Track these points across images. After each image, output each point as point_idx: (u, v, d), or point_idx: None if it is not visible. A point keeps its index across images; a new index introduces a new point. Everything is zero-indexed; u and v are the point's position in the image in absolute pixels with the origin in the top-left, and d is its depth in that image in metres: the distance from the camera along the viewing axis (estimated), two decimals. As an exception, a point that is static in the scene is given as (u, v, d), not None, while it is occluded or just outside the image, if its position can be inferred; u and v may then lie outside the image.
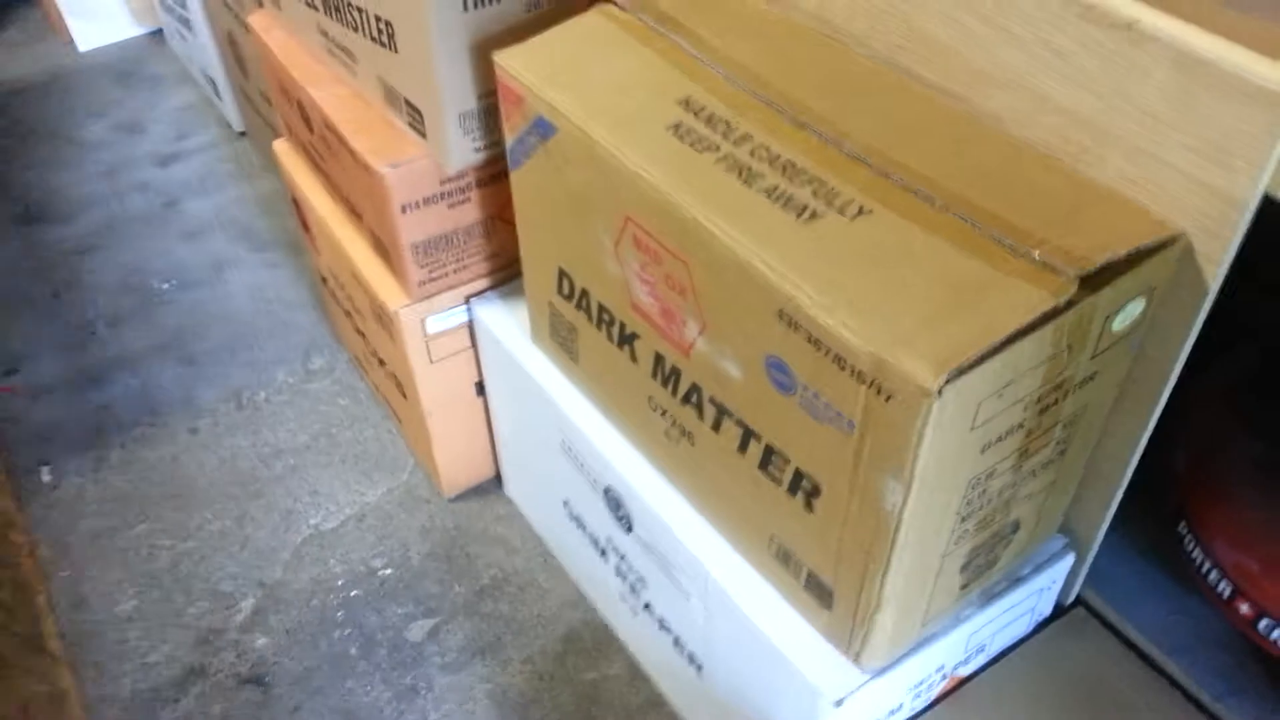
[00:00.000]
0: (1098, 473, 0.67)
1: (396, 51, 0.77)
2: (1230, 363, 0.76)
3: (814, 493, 0.59)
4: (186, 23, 1.56)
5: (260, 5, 0.99)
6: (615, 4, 0.73)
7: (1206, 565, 0.68)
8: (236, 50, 1.38)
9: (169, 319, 1.33)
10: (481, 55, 0.75)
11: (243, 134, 1.61)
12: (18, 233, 1.47)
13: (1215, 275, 0.54)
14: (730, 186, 0.58)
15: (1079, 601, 0.75)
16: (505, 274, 0.94)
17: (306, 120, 0.95)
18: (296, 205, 1.11)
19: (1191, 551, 0.69)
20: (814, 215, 0.56)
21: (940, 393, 0.48)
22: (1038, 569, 0.71)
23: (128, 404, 1.23)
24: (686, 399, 0.67)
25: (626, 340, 0.71)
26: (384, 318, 0.94)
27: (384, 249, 0.91)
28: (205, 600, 1.04)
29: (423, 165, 0.82)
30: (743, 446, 0.64)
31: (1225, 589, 0.67)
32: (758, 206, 0.57)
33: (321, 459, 1.16)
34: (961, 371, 0.48)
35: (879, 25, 0.68)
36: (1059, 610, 0.76)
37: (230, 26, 1.35)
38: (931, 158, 0.58)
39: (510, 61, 0.69)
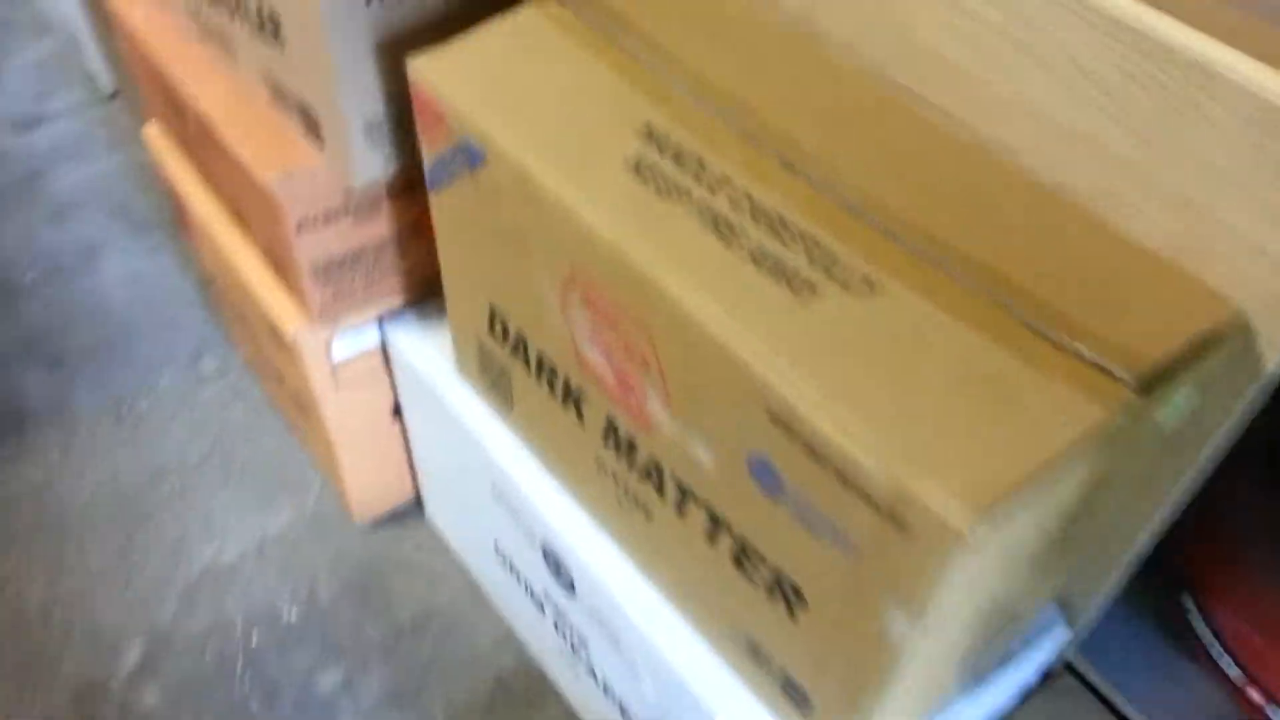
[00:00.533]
0: (1103, 548, 0.60)
1: (284, 48, 0.64)
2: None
3: (798, 601, 0.51)
4: (42, -36, 1.36)
5: None
6: (553, -3, 0.61)
7: (1212, 641, 0.62)
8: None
9: (34, 314, 1.17)
10: (391, 54, 0.63)
11: (114, 94, 1.43)
12: None
13: (1275, 360, 0.46)
14: (706, 247, 0.48)
15: (1068, 667, 0.69)
16: (423, 290, 0.82)
17: (180, 114, 0.80)
18: (174, 198, 0.97)
19: (1195, 625, 0.63)
20: (812, 290, 0.46)
21: (972, 532, 0.39)
22: (1027, 643, 0.64)
23: (-14, 417, 1.08)
24: (645, 474, 0.58)
25: (571, 397, 0.61)
26: (281, 340, 0.82)
27: (279, 264, 0.79)
28: (83, 649, 0.92)
29: (322, 175, 0.70)
30: (712, 538, 0.55)
31: (1231, 669, 0.61)
32: (741, 276, 0.47)
33: (215, 479, 1.03)
34: (997, 506, 0.39)
35: (871, 33, 0.58)
36: (1046, 676, 0.70)
37: (92, -25, 1.18)
38: (946, 211, 0.49)
39: (428, 72, 0.57)
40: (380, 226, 0.75)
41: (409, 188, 0.73)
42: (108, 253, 1.24)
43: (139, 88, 0.91)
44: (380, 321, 0.82)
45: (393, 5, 0.61)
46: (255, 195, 0.72)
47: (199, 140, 0.80)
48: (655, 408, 0.53)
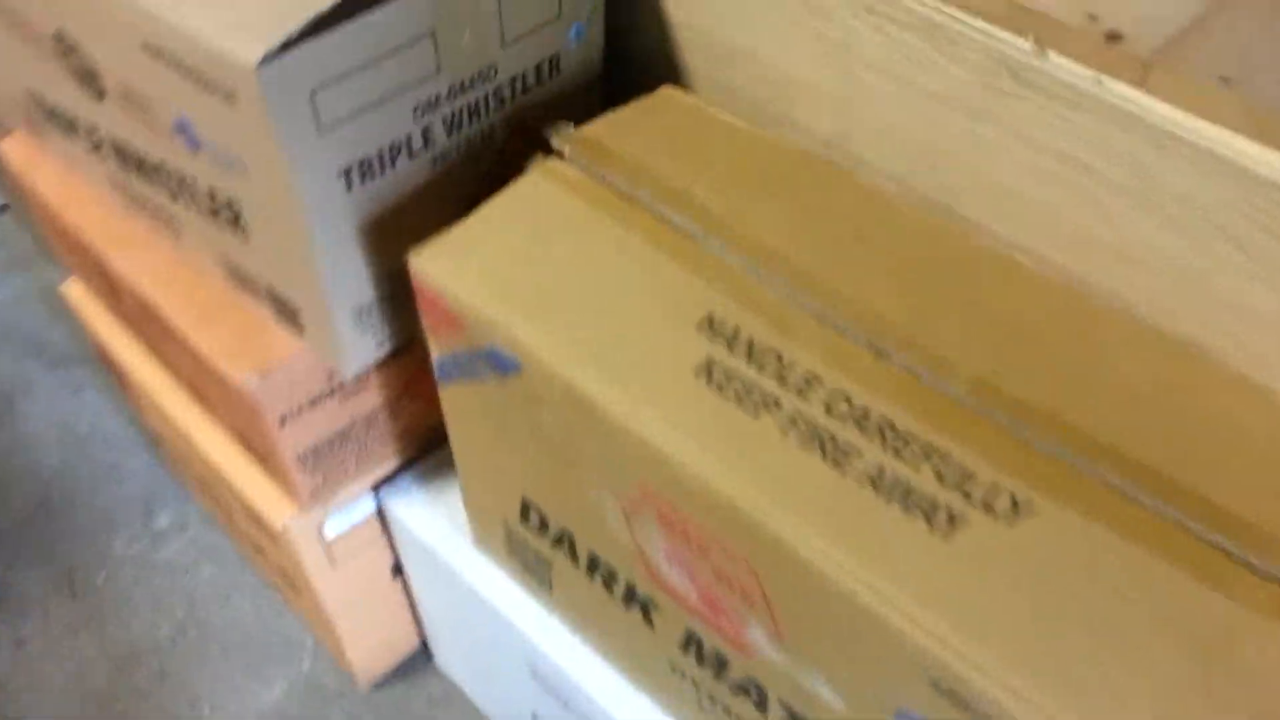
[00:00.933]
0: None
1: (246, 236, 0.55)
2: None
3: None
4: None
5: (7, 132, 0.72)
6: (558, 155, 0.53)
7: None
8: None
9: (-47, 484, 1.05)
10: (377, 234, 0.54)
11: (3, 208, 1.29)
12: None
13: None
14: (812, 472, 0.41)
15: None
16: (420, 447, 0.74)
17: (112, 288, 0.70)
18: (106, 361, 0.86)
19: None
20: (952, 521, 0.39)
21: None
22: None
23: (-82, 616, 0.96)
24: (740, 690, 0.51)
25: (637, 602, 0.54)
26: (263, 525, 0.73)
27: (256, 451, 0.69)
28: None
29: (302, 364, 0.61)
30: (835, 765, 0.48)
31: None
32: (863, 508, 0.40)
33: (194, 654, 0.93)
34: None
35: (926, 167, 0.51)
36: None
37: None
38: (1079, 395, 0.43)
39: (434, 269, 0.49)
40: (370, 398, 0.66)
41: (394, 356, 0.64)
42: (26, 398, 1.11)
43: (51, 240, 0.80)
44: (376, 491, 0.73)
45: (376, 185, 0.52)
46: (223, 389, 0.63)
47: (139, 316, 0.70)
48: (757, 636, 0.46)
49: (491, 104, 0.56)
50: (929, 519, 0.39)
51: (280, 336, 0.61)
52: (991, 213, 0.50)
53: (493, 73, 0.55)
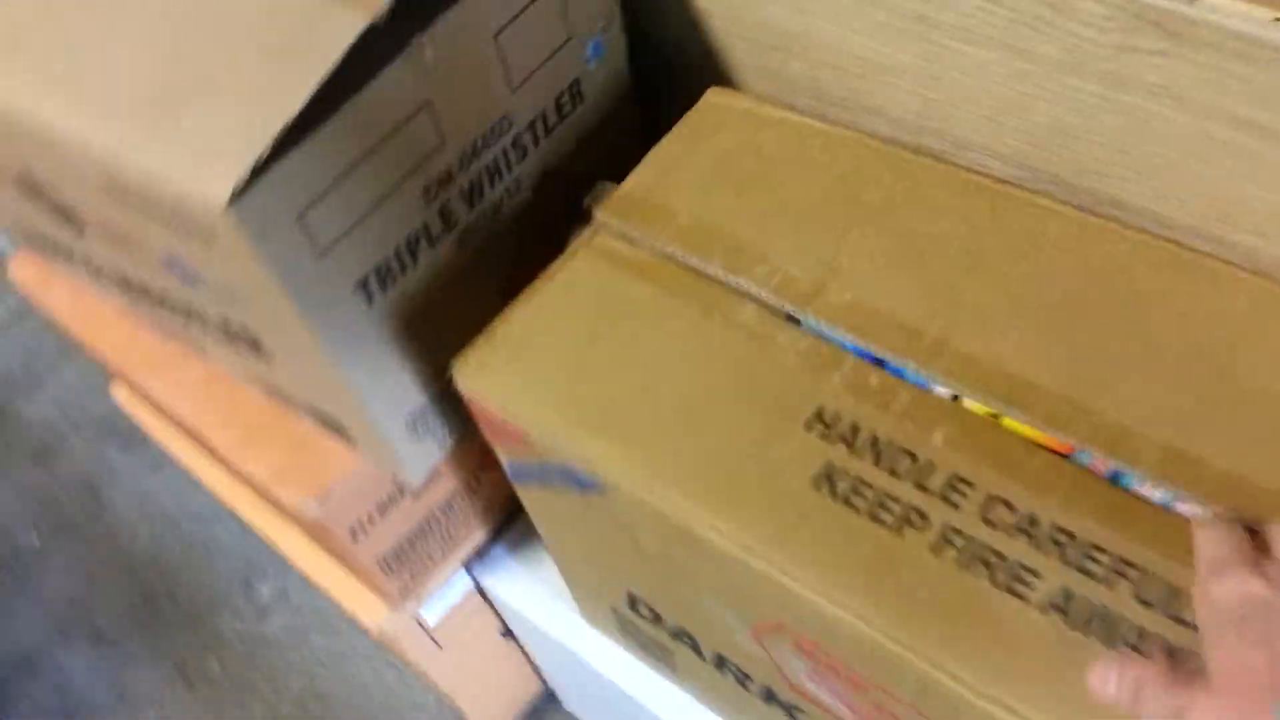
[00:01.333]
0: None
1: (270, 362, 0.48)
2: None
3: None
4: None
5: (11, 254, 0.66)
6: (604, 226, 0.45)
7: None
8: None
9: (56, 586, 1.03)
10: (414, 336, 0.47)
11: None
12: None
13: None
14: (985, 604, 0.33)
15: None
16: (506, 515, 0.67)
17: (151, 400, 0.65)
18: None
19: None
20: (1172, 656, 0.31)
21: None
22: None
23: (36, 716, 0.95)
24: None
25: (777, 702, 0.47)
26: (362, 627, 0.68)
27: (336, 555, 0.64)
28: None
29: (362, 476, 0.54)
30: None
31: None
32: (1051, 642, 0.32)
33: (320, 728, 0.91)
34: None
35: (1053, 146, 0.42)
36: None
37: None
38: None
39: (483, 381, 0.41)
40: (444, 485, 0.60)
41: (462, 439, 0.58)
42: (109, 485, 1.09)
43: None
44: (469, 568, 0.67)
45: (400, 286, 0.45)
46: (289, 507, 0.57)
47: (189, 432, 0.65)
48: (932, 760, 0.39)
49: (512, 158, 0.48)
50: (1140, 652, 0.31)
51: (334, 448, 0.54)
52: (1149, 193, 0.41)
53: (507, 124, 0.46)
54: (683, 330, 0.40)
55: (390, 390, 0.48)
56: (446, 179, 0.45)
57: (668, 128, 0.49)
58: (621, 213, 0.44)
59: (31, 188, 0.48)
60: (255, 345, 0.48)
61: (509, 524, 0.68)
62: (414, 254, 0.45)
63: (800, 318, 0.40)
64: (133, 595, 1.00)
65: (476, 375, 0.42)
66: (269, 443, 0.56)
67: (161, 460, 1.09)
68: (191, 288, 0.46)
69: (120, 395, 0.78)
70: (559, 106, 0.49)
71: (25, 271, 0.67)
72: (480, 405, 0.42)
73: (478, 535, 0.67)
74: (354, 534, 0.56)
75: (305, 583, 0.97)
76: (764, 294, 0.41)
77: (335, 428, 0.52)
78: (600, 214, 0.45)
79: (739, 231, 0.42)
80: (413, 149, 0.42)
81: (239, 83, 0.38)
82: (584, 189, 0.48)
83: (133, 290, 0.53)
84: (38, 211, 0.51)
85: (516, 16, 0.44)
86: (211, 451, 0.59)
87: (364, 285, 0.43)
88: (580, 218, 0.45)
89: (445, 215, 0.46)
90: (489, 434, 0.45)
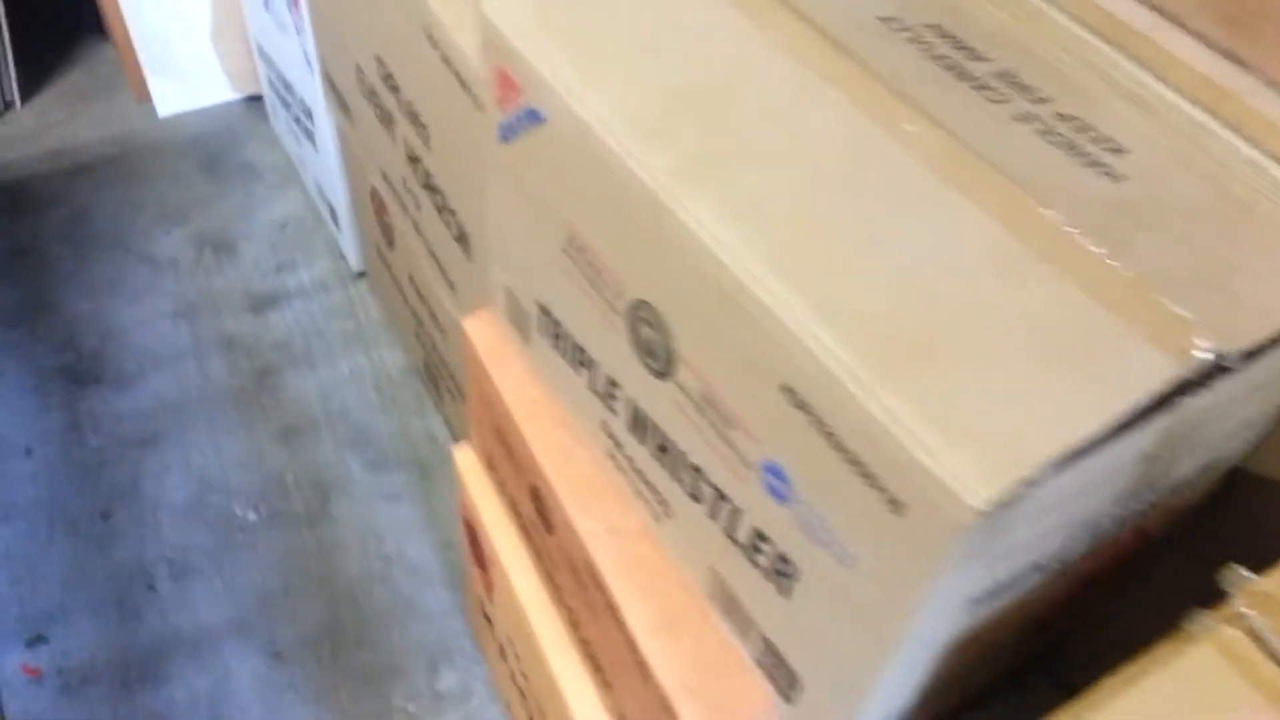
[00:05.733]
0: None
1: (789, 601, 0.43)
2: None
3: None
4: (309, 135, 1.22)
5: (511, 331, 0.64)
6: (1237, 618, 0.38)
7: None
8: (383, 215, 1.04)
9: (251, 574, 1.00)
10: (961, 653, 0.41)
11: (362, 274, 1.27)
12: (65, 397, 1.13)
13: None
14: None
15: None
16: None
17: (543, 518, 0.61)
18: (471, 536, 0.78)
19: None
20: None
21: None
22: None
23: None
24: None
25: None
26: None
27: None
28: None
29: (774, 729, 0.48)
30: None
31: None
32: None
33: None
34: None
35: None
36: None
37: (377, 185, 1.01)
38: None
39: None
40: None
41: None
42: (341, 496, 1.06)
43: (472, 420, 0.72)
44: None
45: (994, 603, 0.39)
46: (643, 695, 0.52)
47: (561, 560, 0.60)
48: None
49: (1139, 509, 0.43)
50: None
51: (748, 681, 0.49)
52: None
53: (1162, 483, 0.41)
54: None
55: (896, 687, 0.42)
56: (1096, 520, 0.39)
57: None
58: (1263, 607, 0.38)
59: (637, 320, 0.45)
60: (783, 577, 0.43)
61: None
62: (1025, 579, 0.40)
63: None
64: (321, 620, 0.96)
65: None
66: (682, 638, 0.51)
67: (399, 493, 1.06)
68: (765, 499, 0.41)
69: (462, 460, 0.75)
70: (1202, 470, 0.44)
71: (482, 332, 0.64)
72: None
73: None
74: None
75: (490, 688, 0.92)
76: None
77: (780, 677, 0.46)
78: (1240, 604, 0.38)
79: None
80: (1104, 492, 0.37)
81: (1007, 373, 0.34)
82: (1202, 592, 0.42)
83: (644, 435, 0.49)
84: (608, 325, 0.48)
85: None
86: (614, 612, 0.54)
87: (975, 601, 0.38)
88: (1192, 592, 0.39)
89: (1063, 551, 0.40)
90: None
